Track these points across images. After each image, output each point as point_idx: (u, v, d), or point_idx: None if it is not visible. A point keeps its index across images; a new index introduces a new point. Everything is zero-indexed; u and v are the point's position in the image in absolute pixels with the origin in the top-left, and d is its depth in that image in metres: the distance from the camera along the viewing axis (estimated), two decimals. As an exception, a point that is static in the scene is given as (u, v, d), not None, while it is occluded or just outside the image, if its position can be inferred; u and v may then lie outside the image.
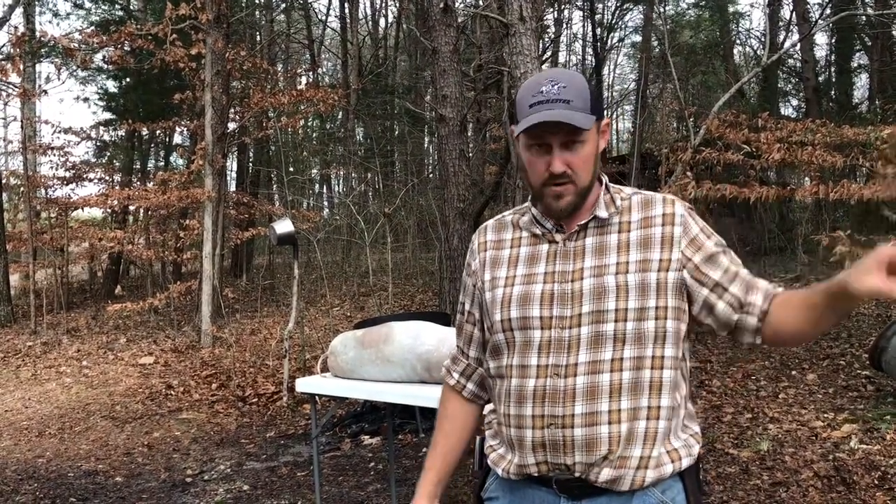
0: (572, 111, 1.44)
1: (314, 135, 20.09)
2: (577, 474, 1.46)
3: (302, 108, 12.51)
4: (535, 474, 1.51)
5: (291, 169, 16.32)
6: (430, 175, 16.24)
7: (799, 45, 14.19)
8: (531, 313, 1.51)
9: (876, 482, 3.86)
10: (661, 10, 16.17)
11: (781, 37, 17.48)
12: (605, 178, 1.58)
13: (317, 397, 3.69)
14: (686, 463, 1.49)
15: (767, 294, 1.49)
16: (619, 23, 21.85)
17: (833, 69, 18.63)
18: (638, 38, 22.15)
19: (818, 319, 1.44)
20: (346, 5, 19.96)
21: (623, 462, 1.44)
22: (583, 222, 1.53)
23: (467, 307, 1.69)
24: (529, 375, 1.49)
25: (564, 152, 1.47)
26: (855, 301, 1.35)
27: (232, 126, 11.99)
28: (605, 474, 1.45)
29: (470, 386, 1.71)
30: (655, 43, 18.78)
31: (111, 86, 15.41)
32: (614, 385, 1.44)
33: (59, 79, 13.22)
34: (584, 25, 22.75)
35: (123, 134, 14.59)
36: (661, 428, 1.46)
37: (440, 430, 1.74)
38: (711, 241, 1.52)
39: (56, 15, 16.53)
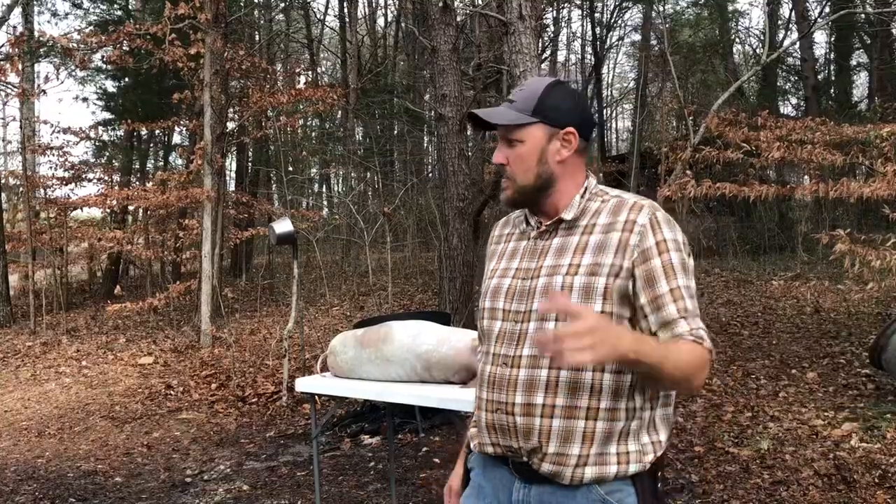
0: (507, 110, 1.57)
1: (313, 134, 20.07)
2: (524, 458, 1.54)
3: (301, 107, 12.52)
4: (492, 453, 1.62)
5: (291, 168, 16.30)
6: (430, 174, 16.24)
7: (798, 43, 14.19)
8: (497, 305, 1.63)
9: (876, 481, 3.86)
10: (661, 8, 16.17)
11: (781, 35, 17.48)
12: (589, 182, 1.62)
13: (316, 397, 3.68)
14: (634, 468, 1.51)
15: (664, 340, 1.49)
16: (619, 21, 21.86)
17: (832, 67, 18.62)
18: (637, 37, 22.17)
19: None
20: (346, 5, 19.95)
21: (561, 459, 1.50)
22: (549, 222, 1.61)
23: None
24: (489, 362, 1.61)
25: (504, 148, 1.59)
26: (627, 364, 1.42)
27: (231, 126, 11.99)
28: (546, 468, 1.51)
29: None
30: (655, 41, 18.79)
31: (110, 86, 15.40)
32: (551, 381, 1.50)
33: (57, 79, 13.16)
34: (583, 24, 22.72)
35: (122, 134, 14.59)
36: (601, 428, 1.49)
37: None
38: (663, 257, 1.50)
39: (55, 15, 16.45)
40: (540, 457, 1.51)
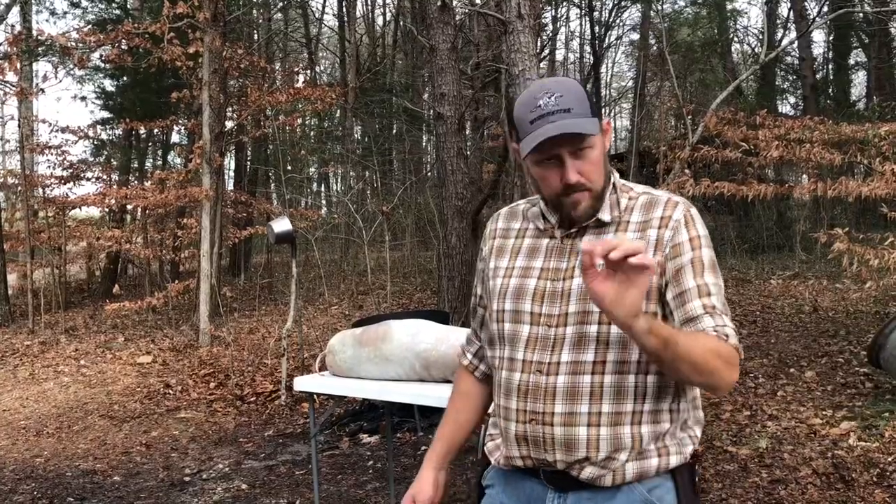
0: (575, 119, 1.44)
1: (312, 133, 20.08)
2: (559, 469, 1.47)
3: (300, 106, 12.51)
4: (521, 466, 1.53)
5: (289, 167, 16.30)
6: (429, 173, 16.23)
7: (797, 42, 14.21)
8: (523, 307, 1.53)
9: (875, 479, 3.86)
10: (659, 7, 16.17)
11: (779, 34, 17.50)
12: (614, 177, 1.56)
13: (315, 396, 3.69)
14: (675, 461, 1.47)
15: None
16: (617, 20, 21.84)
17: (831, 66, 18.66)
18: (636, 36, 22.16)
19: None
20: (344, 4, 19.94)
21: (608, 463, 1.45)
22: (586, 223, 1.52)
23: (479, 291, 1.73)
24: (516, 369, 1.51)
25: (575, 161, 1.46)
26: (624, 331, 1.32)
27: (230, 125, 11.98)
28: (588, 472, 1.46)
29: (482, 367, 1.75)
30: (653, 41, 18.78)
31: (108, 84, 15.37)
32: (595, 387, 1.44)
33: (56, 77, 13.19)
34: (581, 23, 22.72)
35: (121, 133, 14.58)
36: (647, 432, 1.45)
37: (452, 404, 1.79)
38: (695, 254, 1.46)
39: (53, 13, 16.53)
40: (584, 464, 1.45)
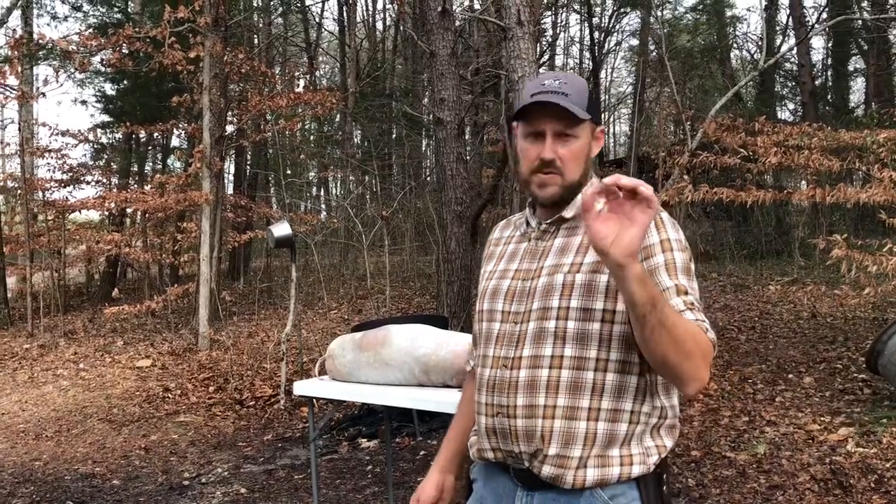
0: (570, 103, 1.50)
1: (312, 138, 20.10)
2: (525, 464, 1.51)
3: (300, 111, 12.52)
4: (493, 459, 1.58)
5: (289, 172, 16.33)
6: (428, 178, 16.26)
7: (796, 48, 14.23)
8: (496, 307, 1.61)
9: (872, 485, 3.87)
10: (659, 13, 16.20)
11: (778, 41, 17.55)
12: (593, 181, 1.59)
13: (314, 400, 3.69)
14: (638, 470, 1.48)
15: None
16: (617, 26, 21.89)
17: (830, 73, 18.69)
18: (635, 42, 22.21)
19: (631, 324, 1.37)
20: (344, 9, 19.99)
21: (563, 461, 1.47)
22: (550, 220, 1.59)
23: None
24: (486, 365, 1.58)
25: (556, 143, 1.53)
26: (616, 277, 1.30)
27: (230, 129, 12.00)
28: (547, 471, 1.48)
29: None
30: (653, 47, 18.81)
31: (109, 88, 15.42)
32: (552, 381, 1.48)
33: (57, 81, 13.16)
34: (581, 29, 22.78)
35: (121, 136, 14.60)
36: (602, 430, 1.47)
37: (459, 409, 1.87)
38: (666, 255, 1.47)
39: (54, 17, 16.45)
40: (541, 459, 1.48)
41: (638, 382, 1.48)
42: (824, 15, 14.44)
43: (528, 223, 1.65)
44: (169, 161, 16.86)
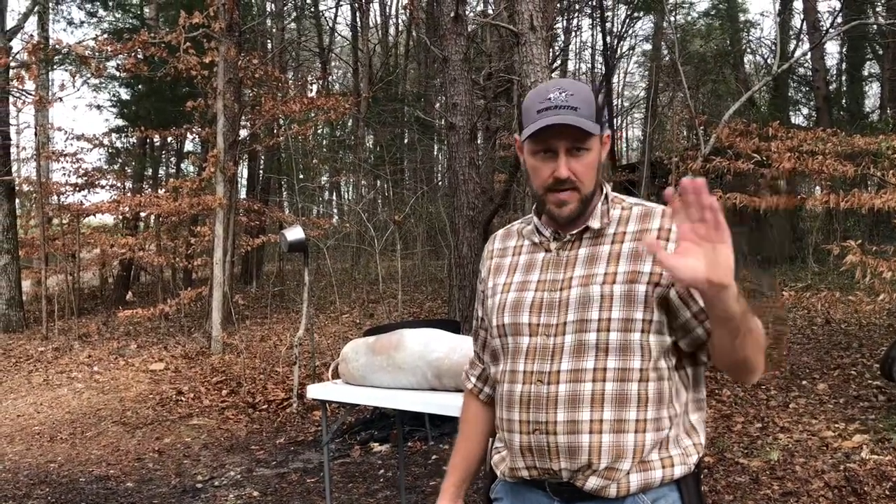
0: (579, 117, 1.46)
1: (324, 142, 20.17)
2: (565, 479, 1.47)
3: (313, 115, 12.58)
4: (527, 478, 1.53)
5: (302, 176, 16.39)
6: (440, 183, 16.28)
7: (810, 53, 14.18)
8: (521, 320, 1.53)
9: (887, 493, 3.84)
10: (672, 18, 16.18)
11: (792, 46, 17.46)
12: (606, 188, 1.58)
13: (327, 404, 3.71)
14: (679, 471, 1.47)
15: None
16: (630, 31, 21.84)
17: (844, 78, 18.61)
18: (648, 47, 22.18)
19: (718, 335, 1.37)
20: (357, 14, 20.07)
21: (611, 473, 1.44)
22: (575, 231, 1.54)
23: (479, 313, 1.73)
24: (517, 381, 1.51)
25: (570, 159, 1.48)
26: (709, 299, 1.26)
27: (243, 133, 12.07)
28: (592, 483, 1.45)
29: (486, 389, 1.75)
30: (665, 51, 18.79)
31: (124, 93, 15.53)
32: (596, 395, 1.44)
33: (73, 86, 13.28)
34: (593, 34, 22.74)
35: (135, 141, 14.72)
36: (650, 440, 1.45)
37: (461, 433, 1.79)
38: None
39: (70, 23, 16.63)
40: (587, 473, 1.45)
41: (670, 387, 1.47)
42: (839, 19, 14.36)
43: (539, 232, 1.60)
44: (183, 165, 17.00)
